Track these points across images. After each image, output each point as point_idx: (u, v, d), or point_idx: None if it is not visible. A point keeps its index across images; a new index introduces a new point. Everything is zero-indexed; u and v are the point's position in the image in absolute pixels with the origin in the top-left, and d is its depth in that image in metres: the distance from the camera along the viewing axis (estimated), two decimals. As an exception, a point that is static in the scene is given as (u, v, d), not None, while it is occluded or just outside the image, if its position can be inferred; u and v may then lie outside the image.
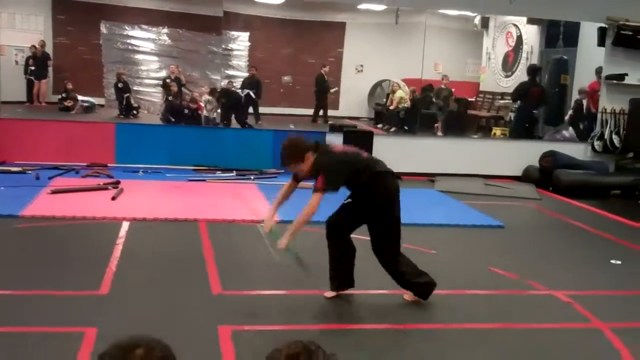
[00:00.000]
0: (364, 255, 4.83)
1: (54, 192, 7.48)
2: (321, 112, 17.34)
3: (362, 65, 19.71)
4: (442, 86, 15.65)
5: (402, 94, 16.63)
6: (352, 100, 19.50)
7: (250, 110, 16.43)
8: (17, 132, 9.44)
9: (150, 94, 15.77)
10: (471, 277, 5.56)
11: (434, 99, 15.73)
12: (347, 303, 4.79)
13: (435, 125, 15.19)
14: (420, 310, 4.73)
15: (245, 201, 7.91)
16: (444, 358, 4.02)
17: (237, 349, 3.82)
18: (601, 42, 10.96)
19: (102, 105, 16.28)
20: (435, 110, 15.55)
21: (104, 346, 3.64)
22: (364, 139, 10.24)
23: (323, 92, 17.02)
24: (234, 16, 17.71)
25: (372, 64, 19.18)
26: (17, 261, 5.23)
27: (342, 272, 4.80)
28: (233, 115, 14.51)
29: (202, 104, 14.88)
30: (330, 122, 13.33)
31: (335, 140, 10.13)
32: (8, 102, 14.62)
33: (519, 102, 12.51)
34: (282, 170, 9.71)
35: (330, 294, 4.79)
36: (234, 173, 9.50)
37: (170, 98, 14.32)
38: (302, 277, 5.21)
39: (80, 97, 15.60)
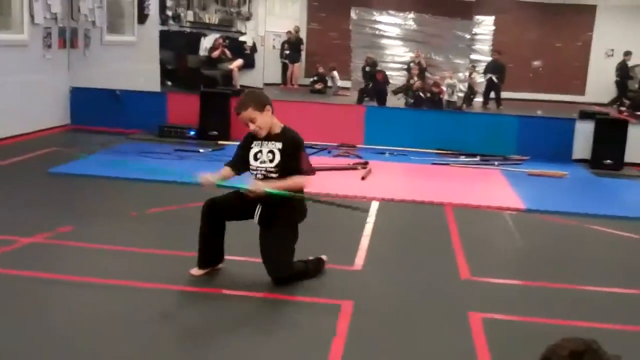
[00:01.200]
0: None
1: (308, 170, 7.95)
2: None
3: (612, 50, 18.62)
4: None
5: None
6: (599, 85, 18.49)
7: (492, 95, 16.22)
8: (277, 113, 10.12)
9: (394, 78, 16.08)
10: None
11: None
12: (595, 300, 4.63)
13: None
14: None
15: (490, 187, 7.87)
16: None
17: (488, 336, 3.83)
18: None
19: (347, 88, 16.94)
20: None
21: (361, 319, 3.88)
22: (617, 128, 9.68)
23: (626, 81, 16.14)
24: (484, 0, 17.53)
25: (623, 49, 18.00)
26: None
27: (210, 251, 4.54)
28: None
29: (444, 88, 14.94)
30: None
31: (586, 129, 9.72)
32: (267, 84, 15.79)
33: None
34: (527, 157, 9.51)
35: (197, 272, 4.51)
36: (478, 158, 9.44)
37: (411, 82, 14.55)
38: (551, 271, 5.14)
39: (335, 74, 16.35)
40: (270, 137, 4.33)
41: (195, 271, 4.51)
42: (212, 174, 4.32)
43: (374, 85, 14.82)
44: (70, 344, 3.50)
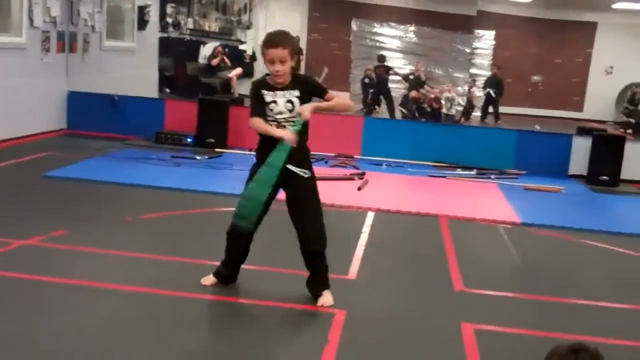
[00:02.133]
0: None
1: (304, 179, 7.94)
2: None
3: (612, 67, 18.69)
4: None
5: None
6: (598, 102, 18.59)
7: (490, 109, 16.25)
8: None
9: (393, 90, 16.07)
10: None
11: None
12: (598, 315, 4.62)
13: None
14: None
15: (486, 200, 7.86)
16: None
17: (480, 348, 3.81)
18: None
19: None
20: None
21: (353, 328, 3.86)
22: (614, 145, 9.68)
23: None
24: (486, 15, 17.58)
25: (623, 66, 18.12)
26: (272, 241, 5.33)
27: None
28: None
29: (443, 102, 14.98)
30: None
31: (583, 145, 9.72)
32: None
33: None
34: (524, 172, 9.51)
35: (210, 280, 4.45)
36: (474, 171, 9.43)
37: (411, 96, 14.63)
38: (544, 284, 5.13)
39: None
40: (283, 87, 4.04)
41: (209, 280, 4.46)
42: (280, 131, 4.00)
43: (378, 83, 15.00)
44: (59, 346, 3.48)
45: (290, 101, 4.04)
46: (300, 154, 4.15)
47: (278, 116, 4.06)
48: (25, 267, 4.52)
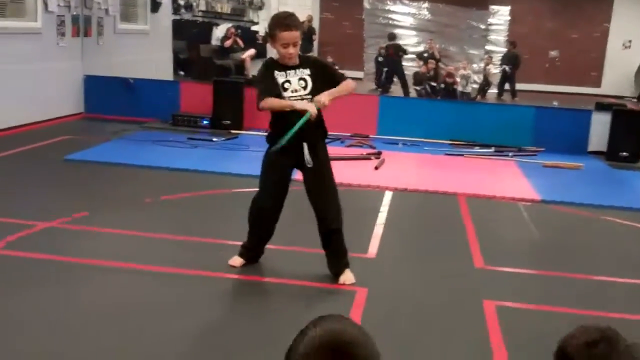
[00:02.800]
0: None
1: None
2: None
3: (630, 41, 18.50)
4: None
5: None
6: (616, 77, 18.40)
7: (506, 86, 16.15)
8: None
9: (407, 68, 16.01)
10: None
11: None
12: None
13: None
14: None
15: (504, 178, 7.84)
16: None
17: (502, 325, 3.82)
18: None
19: (360, 79, 16.91)
20: None
21: (374, 306, 3.88)
22: (634, 120, 9.59)
23: None
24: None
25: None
26: (294, 221, 5.38)
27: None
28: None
29: (458, 79, 14.90)
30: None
31: (602, 121, 9.64)
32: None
33: None
34: (542, 149, 9.44)
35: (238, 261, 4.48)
36: (492, 149, 9.38)
37: (420, 71, 14.58)
38: (564, 260, 5.12)
39: None
40: (293, 66, 4.15)
41: (237, 261, 4.48)
42: (301, 103, 4.07)
43: (389, 62, 14.92)
44: (83, 324, 3.53)
45: (303, 79, 4.13)
46: (317, 133, 4.21)
47: (293, 95, 4.12)
48: (50, 249, 4.58)
